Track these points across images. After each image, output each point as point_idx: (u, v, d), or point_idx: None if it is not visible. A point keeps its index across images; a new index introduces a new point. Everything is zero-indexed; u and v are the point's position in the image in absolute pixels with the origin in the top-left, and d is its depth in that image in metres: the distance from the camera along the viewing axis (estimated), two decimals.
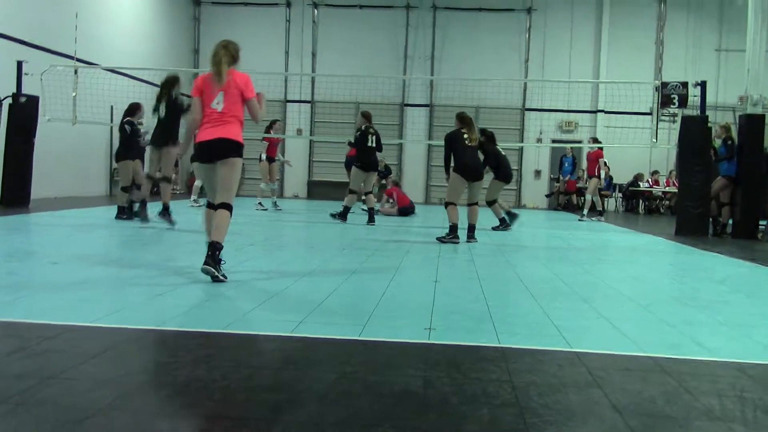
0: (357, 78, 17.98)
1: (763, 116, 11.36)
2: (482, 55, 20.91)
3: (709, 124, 11.82)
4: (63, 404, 2.36)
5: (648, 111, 15.01)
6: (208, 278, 4.82)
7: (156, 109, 9.32)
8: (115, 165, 15.02)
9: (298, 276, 5.39)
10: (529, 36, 21.24)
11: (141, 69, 15.69)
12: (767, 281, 6.55)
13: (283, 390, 2.60)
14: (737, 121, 11.99)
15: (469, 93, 19.25)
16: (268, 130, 13.33)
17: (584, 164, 17.31)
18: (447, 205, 8.68)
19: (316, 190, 21.46)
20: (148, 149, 10.29)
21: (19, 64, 11.95)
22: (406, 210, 13.80)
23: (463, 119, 8.80)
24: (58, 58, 13.34)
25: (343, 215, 11.09)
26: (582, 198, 16.76)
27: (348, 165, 13.71)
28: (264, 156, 13.50)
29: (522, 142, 20.80)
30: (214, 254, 4.85)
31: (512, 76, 20.76)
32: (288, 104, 21.64)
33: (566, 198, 20.00)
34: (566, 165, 19.48)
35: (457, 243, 8.41)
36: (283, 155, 16.50)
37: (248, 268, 5.67)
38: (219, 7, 21.74)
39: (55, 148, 13.77)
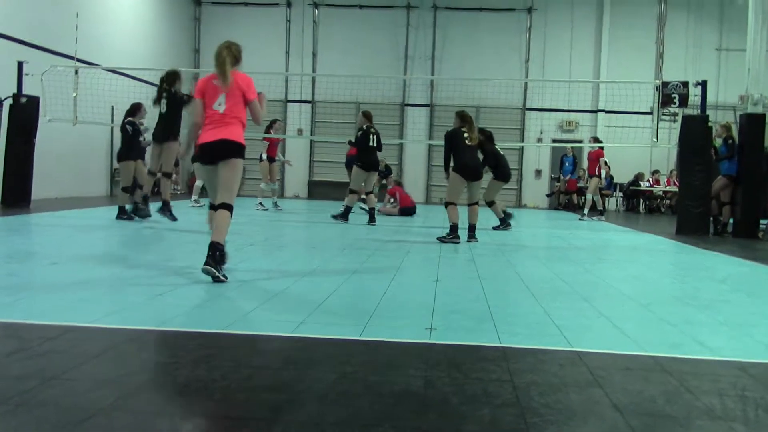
0: (357, 78, 17.99)
1: (763, 115, 11.35)
2: (483, 55, 20.91)
3: (710, 124, 11.81)
4: (64, 405, 2.36)
5: (648, 110, 15.00)
6: (209, 278, 4.82)
7: (156, 102, 9.36)
8: (116, 165, 15.04)
9: (299, 276, 5.39)
10: (529, 36, 21.24)
11: (141, 69, 15.69)
12: None
13: (283, 390, 2.60)
14: (738, 121, 11.99)
15: (470, 93, 19.25)
16: (268, 129, 13.33)
17: (585, 164, 17.31)
18: (447, 205, 8.67)
19: (317, 190, 21.46)
20: (149, 148, 10.31)
21: (20, 64, 11.95)
22: (407, 210, 13.78)
23: (463, 117, 8.77)
24: (58, 59, 13.35)
25: (344, 215, 11.08)
26: (582, 197, 16.76)
27: (349, 164, 13.71)
28: (264, 156, 13.52)
29: (522, 141, 20.81)
30: (214, 254, 4.86)
31: (513, 76, 20.76)
32: (288, 104, 21.65)
33: (567, 197, 19.99)
34: (567, 164, 19.49)
35: (458, 243, 8.40)
36: (283, 155, 16.50)
37: (249, 268, 5.67)
38: (219, 7, 21.75)
39: (56, 148, 13.78)
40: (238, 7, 21.67)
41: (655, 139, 13.33)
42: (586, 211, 14.72)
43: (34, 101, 12.03)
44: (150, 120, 10.38)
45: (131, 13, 17.87)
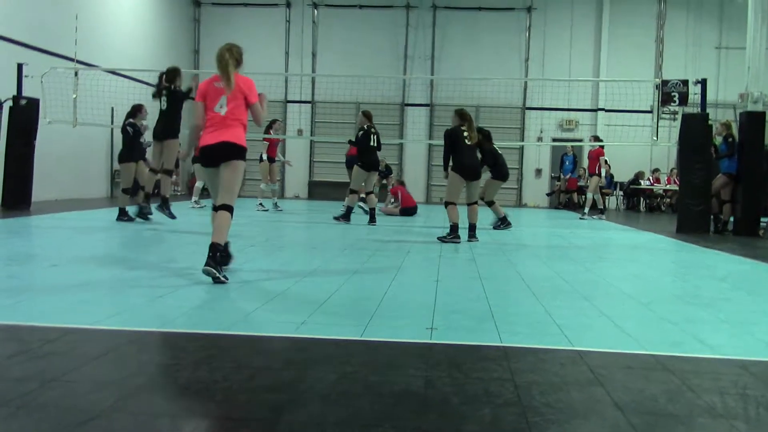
0: (357, 78, 18.00)
1: (763, 113, 11.35)
2: (482, 55, 20.92)
3: (710, 122, 11.80)
4: (64, 407, 2.36)
5: (648, 109, 14.99)
6: (209, 279, 4.83)
7: (155, 96, 9.38)
8: (116, 167, 15.04)
9: (300, 276, 5.39)
10: (529, 35, 21.24)
11: (141, 70, 15.70)
12: None
13: (284, 390, 2.60)
14: (738, 119, 11.99)
15: (470, 92, 19.25)
16: (267, 130, 13.33)
17: (585, 162, 17.30)
18: (447, 204, 8.66)
19: (317, 190, 21.47)
20: (150, 147, 10.32)
21: (20, 66, 11.95)
22: (408, 210, 13.77)
23: (462, 116, 8.74)
24: (58, 60, 13.35)
25: (346, 216, 11.07)
26: (583, 196, 16.75)
27: (349, 164, 13.70)
28: (265, 156, 13.52)
29: (522, 141, 20.82)
30: (215, 255, 4.86)
31: (512, 75, 20.77)
32: (288, 105, 21.66)
33: (567, 196, 19.99)
34: (567, 163, 19.48)
35: (458, 242, 8.40)
36: (283, 155, 16.51)
37: (250, 269, 5.67)
38: (219, 8, 21.76)
39: (56, 150, 13.79)
40: (237, 7, 21.68)
41: (655, 138, 13.32)
42: (586, 210, 14.72)
43: (34, 103, 12.03)
44: (150, 119, 10.38)
45: (131, 15, 17.88)
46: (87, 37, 14.49)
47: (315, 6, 21.55)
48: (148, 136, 10.36)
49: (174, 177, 16.43)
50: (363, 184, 11.15)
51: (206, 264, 4.81)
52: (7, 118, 11.83)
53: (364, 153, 10.96)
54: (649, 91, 14.49)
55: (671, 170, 19.29)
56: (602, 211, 14.91)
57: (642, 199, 20.10)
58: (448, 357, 3.17)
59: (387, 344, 3.37)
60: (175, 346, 3.32)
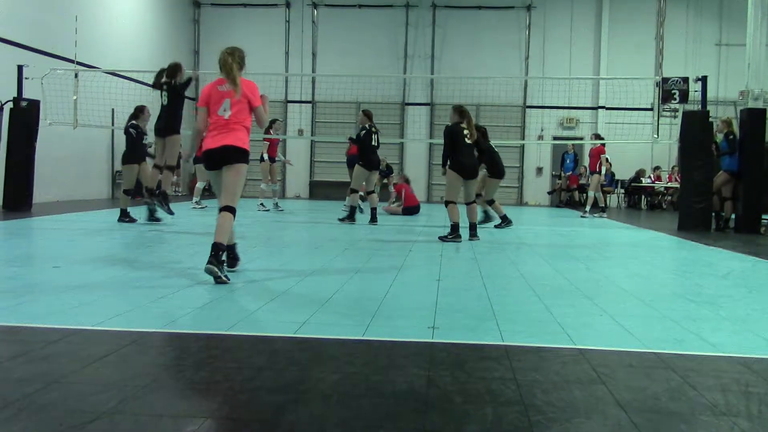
0: (357, 78, 18.00)
1: (764, 110, 11.34)
2: (482, 53, 20.91)
3: (711, 119, 11.80)
4: (66, 408, 2.36)
5: (649, 107, 14.99)
6: (211, 280, 4.83)
7: (155, 87, 9.42)
8: (117, 168, 15.06)
9: (301, 276, 5.39)
10: (529, 33, 21.23)
11: (141, 71, 15.70)
12: None
13: (285, 391, 2.60)
14: (738, 116, 11.98)
15: (470, 91, 19.21)
16: (267, 130, 13.33)
17: (586, 160, 17.30)
18: (447, 204, 8.66)
19: (318, 190, 21.48)
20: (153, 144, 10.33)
21: (20, 68, 11.96)
22: (410, 209, 13.75)
23: (462, 112, 8.71)
24: (58, 62, 13.35)
25: (350, 216, 11.06)
26: (584, 194, 16.74)
27: (350, 163, 13.69)
28: (266, 156, 13.53)
29: (523, 139, 20.81)
30: (217, 254, 4.91)
31: (512, 74, 20.76)
32: (289, 105, 21.66)
33: (568, 195, 19.98)
34: (568, 162, 19.48)
35: (459, 242, 8.40)
36: (283, 155, 16.51)
37: (251, 269, 5.67)
38: (218, 8, 21.75)
39: (57, 151, 13.80)
40: (237, 8, 21.67)
41: (656, 136, 13.32)
42: (587, 208, 14.71)
43: (34, 105, 12.04)
44: (151, 119, 10.38)
45: (130, 16, 17.87)
46: (87, 38, 14.50)
47: (315, 6, 21.55)
48: (150, 135, 10.35)
49: (175, 178, 16.48)
50: (364, 183, 11.15)
51: (208, 262, 4.84)
52: (7, 120, 11.84)
53: (365, 152, 10.94)
54: (650, 88, 14.48)
55: (672, 168, 19.28)
56: (603, 209, 14.90)
57: (643, 197, 20.08)
58: (450, 356, 3.17)
59: (389, 344, 3.37)
60: (177, 346, 3.32)
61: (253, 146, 5.52)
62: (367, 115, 11.20)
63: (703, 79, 11.83)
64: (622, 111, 18.23)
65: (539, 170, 21.55)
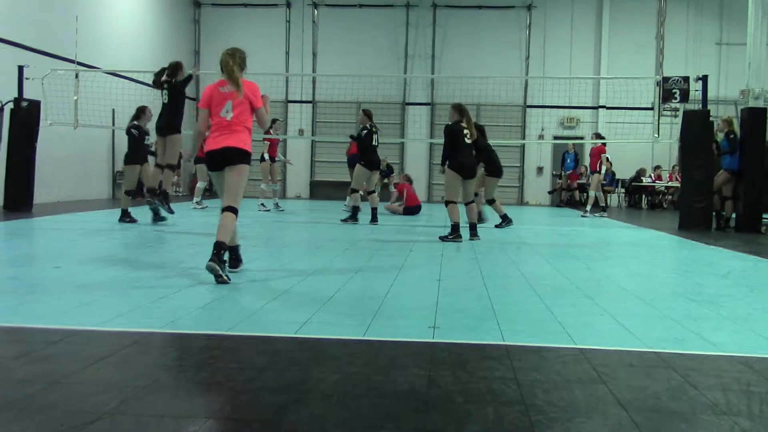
0: (358, 77, 18.01)
1: (764, 110, 11.34)
2: (483, 53, 20.91)
3: (711, 119, 11.79)
4: (67, 408, 2.37)
5: (650, 106, 14.99)
6: (212, 280, 4.84)
7: (155, 84, 9.41)
8: (118, 168, 15.06)
9: (302, 276, 5.39)
10: (529, 33, 21.22)
11: (142, 72, 15.70)
12: None
13: (287, 391, 2.60)
14: (739, 115, 11.97)
15: (470, 91, 19.19)
16: (268, 130, 13.33)
17: (587, 160, 17.29)
18: (447, 203, 8.66)
19: (319, 190, 21.47)
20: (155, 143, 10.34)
21: (20, 68, 11.96)
22: (411, 209, 13.74)
23: (461, 111, 8.68)
24: (59, 62, 13.35)
25: (353, 217, 11.05)
26: (585, 194, 16.74)
27: (351, 163, 13.68)
28: (266, 156, 13.54)
29: (524, 139, 20.81)
30: (219, 253, 4.93)
31: (513, 74, 20.76)
32: (289, 105, 21.66)
33: (569, 194, 19.98)
34: (568, 161, 19.48)
35: (460, 242, 8.40)
36: (284, 155, 16.52)
37: (252, 269, 5.67)
38: (219, 8, 21.75)
39: (57, 152, 13.80)
40: (237, 8, 21.67)
41: (657, 135, 13.31)
42: (588, 207, 14.71)
43: (35, 105, 12.04)
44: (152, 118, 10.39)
45: (131, 16, 17.87)
46: (87, 38, 14.51)
47: (315, 6, 21.55)
48: (151, 135, 10.35)
49: (176, 178, 16.49)
50: (364, 183, 11.15)
51: (210, 260, 4.86)
52: (8, 120, 11.85)
53: (366, 152, 10.94)
54: (650, 88, 14.48)
55: (673, 167, 19.27)
56: (604, 209, 14.89)
57: (644, 197, 20.08)
58: (451, 356, 3.18)
59: (389, 343, 3.37)
60: (179, 347, 3.33)
61: (253, 146, 5.52)
62: (368, 114, 11.20)
63: (704, 79, 11.82)
64: (623, 110, 18.22)
65: (540, 170, 21.55)
